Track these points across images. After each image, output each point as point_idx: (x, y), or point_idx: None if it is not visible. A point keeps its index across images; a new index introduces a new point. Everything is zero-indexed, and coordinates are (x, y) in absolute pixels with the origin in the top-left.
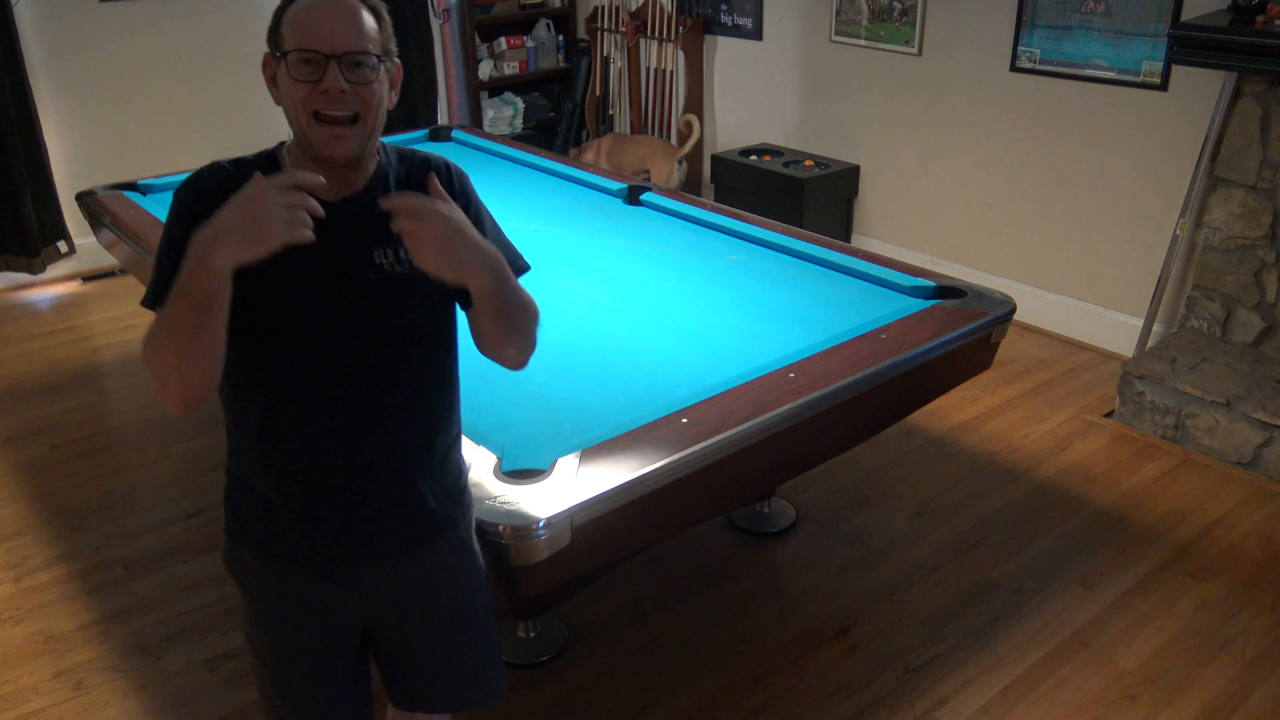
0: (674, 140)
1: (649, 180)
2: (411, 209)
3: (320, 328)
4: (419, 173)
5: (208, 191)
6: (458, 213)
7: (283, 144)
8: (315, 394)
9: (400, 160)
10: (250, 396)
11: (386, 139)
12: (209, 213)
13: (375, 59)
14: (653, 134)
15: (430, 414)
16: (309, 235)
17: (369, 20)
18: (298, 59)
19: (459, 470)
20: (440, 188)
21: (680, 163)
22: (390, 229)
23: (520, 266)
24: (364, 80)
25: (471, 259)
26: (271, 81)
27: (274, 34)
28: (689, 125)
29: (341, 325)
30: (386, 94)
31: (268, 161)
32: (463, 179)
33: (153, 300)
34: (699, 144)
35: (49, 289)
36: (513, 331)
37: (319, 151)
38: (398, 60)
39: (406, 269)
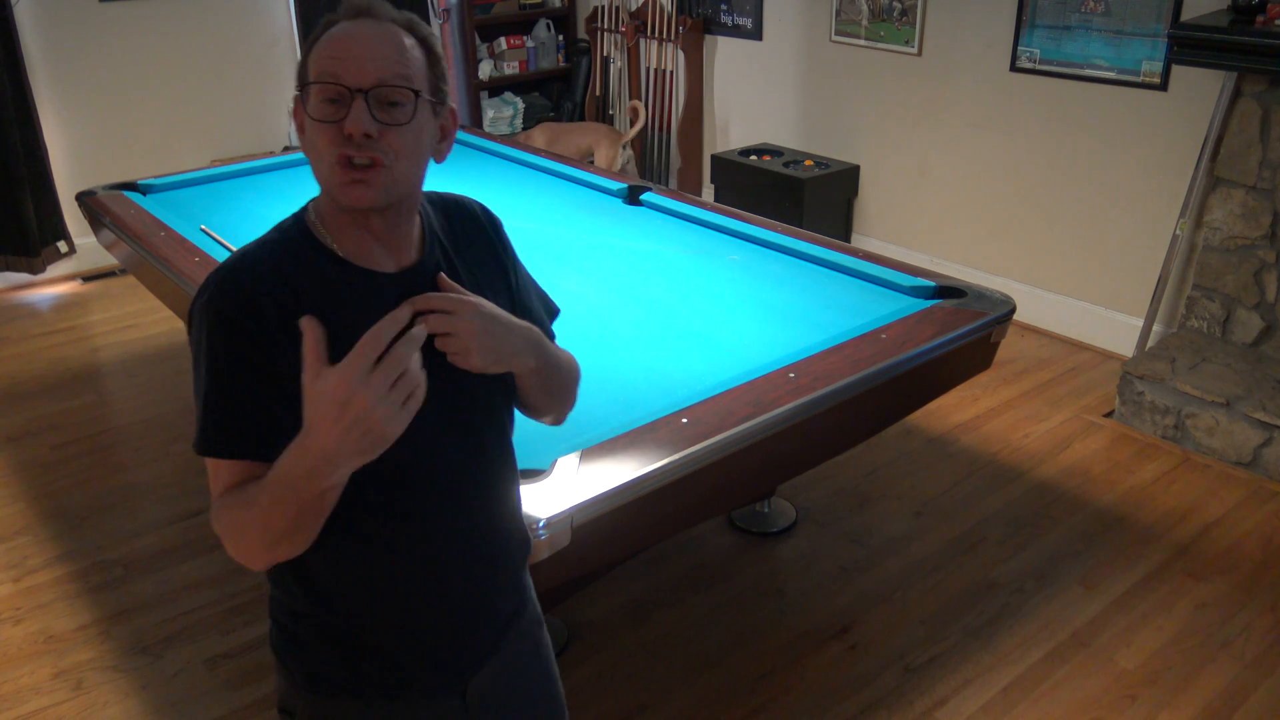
0: (674, 139)
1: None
2: (444, 306)
3: (424, 416)
4: (458, 220)
5: (254, 296)
6: (485, 302)
7: (307, 210)
8: (422, 492)
9: (435, 209)
10: (348, 524)
11: None
12: (263, 323)
13: (413, 94)
14: (652, 134)
15: (514, 474)
16: (421, 397)
17: (414, 52)
18: (319, 94)
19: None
20: (451, 282)
21: (624, 147)
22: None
23: (553, 311)
24: (395, 121)
25: (513, 344)
26: (300, 130)
27: (302, 70)
28: (635, 111)
29: (442, 407)
30: (430, 143)
31: (303, 241)
32: (497, 224)
33: (210, 448)
34: (698, 141)
35: (49, 289)
36: (555, 398)
37: (339, 200)
38: (452, 106)
39: None
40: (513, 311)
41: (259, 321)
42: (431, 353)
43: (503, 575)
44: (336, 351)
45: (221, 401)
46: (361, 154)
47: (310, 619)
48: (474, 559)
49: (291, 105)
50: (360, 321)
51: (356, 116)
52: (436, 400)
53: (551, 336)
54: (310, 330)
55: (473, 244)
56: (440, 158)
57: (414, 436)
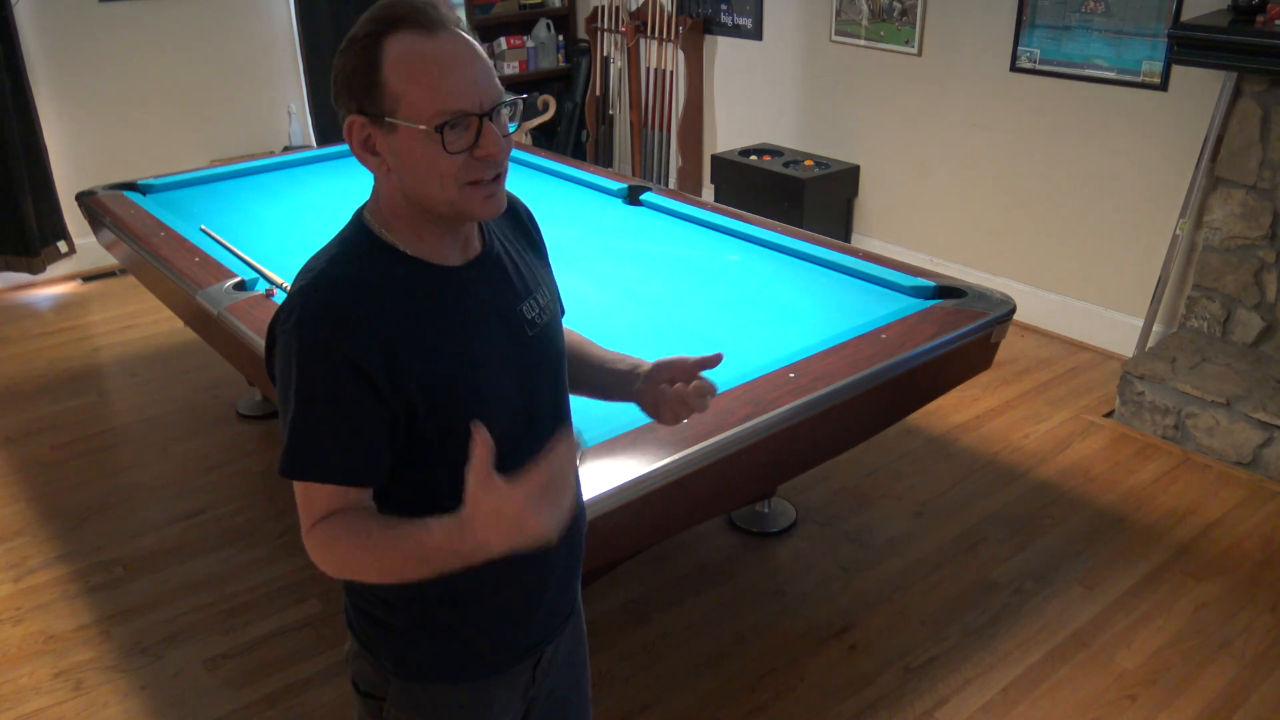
0: (674, 139)
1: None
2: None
3: (517, 405)
4: (506, 218)
5: (356, 317)
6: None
7: (363, 217)
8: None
9: None
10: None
11: None
12: (357, 342)
13: (509, 103)
14: (652, 134)
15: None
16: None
17: (484, 54)
18: (456, 128)
19: None
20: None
21: (526, 135)
22: (521, 280)
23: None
24: (507, 130)
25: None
26: (367, 149)
27: (373, 89)
28: (545, 104)
29: (528, 393)
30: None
31: (374, 248)
32: (533, 219)
33: (300, 471)
34: (698, 141)
35: (49, 289)
36: None
37: (472, 215)
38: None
39: (550, 315)
40: (559, 301)
41: (352, 343)
42: (523, 342)
43: (579, 553)
44: (444, 348)
45: (316, 427)
46: (492, 170)
47: (406, 609)
48: (565, 541)
49: (345, 125)
50: (441, 312)
51: (494, 139)
52: (531, 383)
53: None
54: (480, 439)
55: (520, 237)
56: None
57: (519, 418)
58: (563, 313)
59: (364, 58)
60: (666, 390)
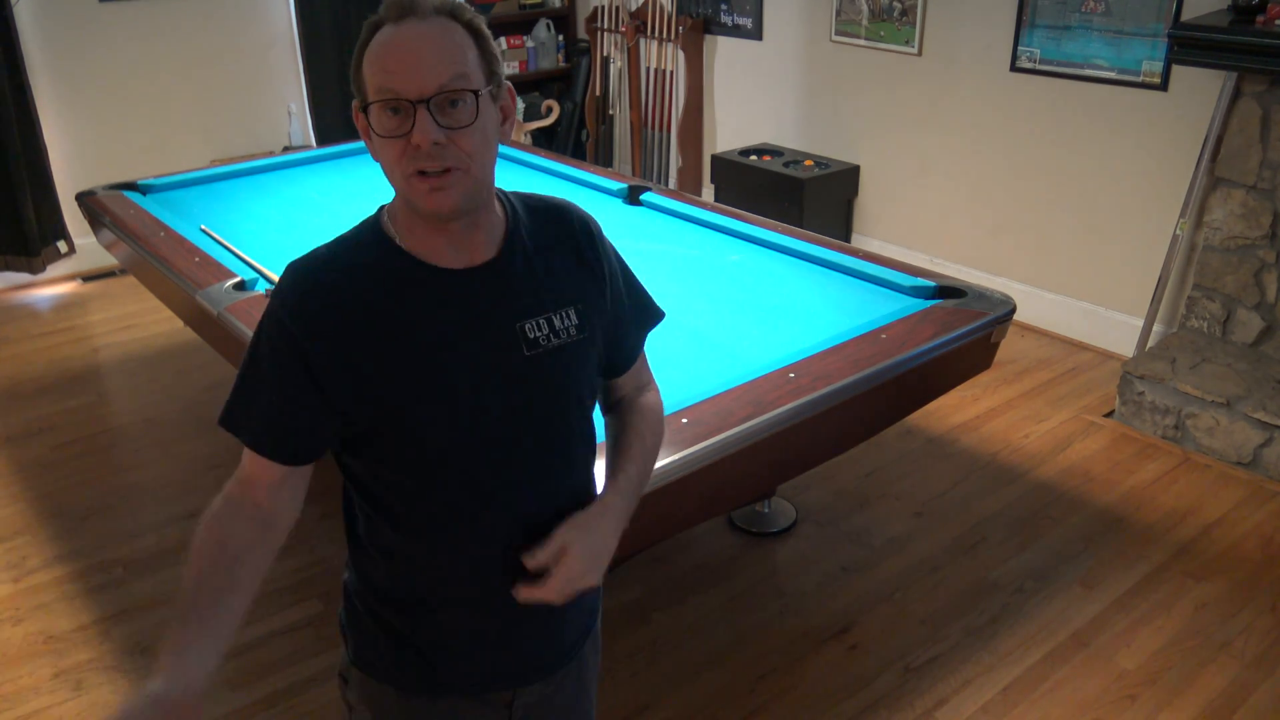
0: (674, 139)
1: None
2: (549, 557)
3: (481, 423)
4: (549, 224)
5: (322, 302)
6: (585, 529)
7: (382, 209)
8: (485, 498)
9: (528, 212)
10: (410, 519)
11: None
12: (308, 326)
13: (473, 93)
14: (652, 134)
15: (589, 490)
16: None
17: (464, 42)
18: (381, 110)
19: None
20: (536, 556)
21: (526, 135)
22: (535, 296)
23: (657, 315)
24: (460, 123)
25: (610, 543)
26: (365, 135)
27: (356, 79)
28: (549, 108)
29: (503, 414)
30: (496, 130)
31: (373, 238)
32: (598, 233)
33: (234, 427)
34: (698, 141)
35: (49, 289)
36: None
37: (420, 209)
38: (508, 83)
39: (566, 339)
40: (605, 322)
41: (304, 327)
42: (513, 362)
43: (571, 603)
44: (398, 347)
45: (252, 392)
46: (433, 163)
47: (366, 600)
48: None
49: (352, 112)
50: (420, 314)
51: (422, 128)
52: (510, 406)
53: (637, 347)
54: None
55: (560, 249)
56: (506, 139)
57: (483, 439)
58: (655, 320)
59: (357, 53)
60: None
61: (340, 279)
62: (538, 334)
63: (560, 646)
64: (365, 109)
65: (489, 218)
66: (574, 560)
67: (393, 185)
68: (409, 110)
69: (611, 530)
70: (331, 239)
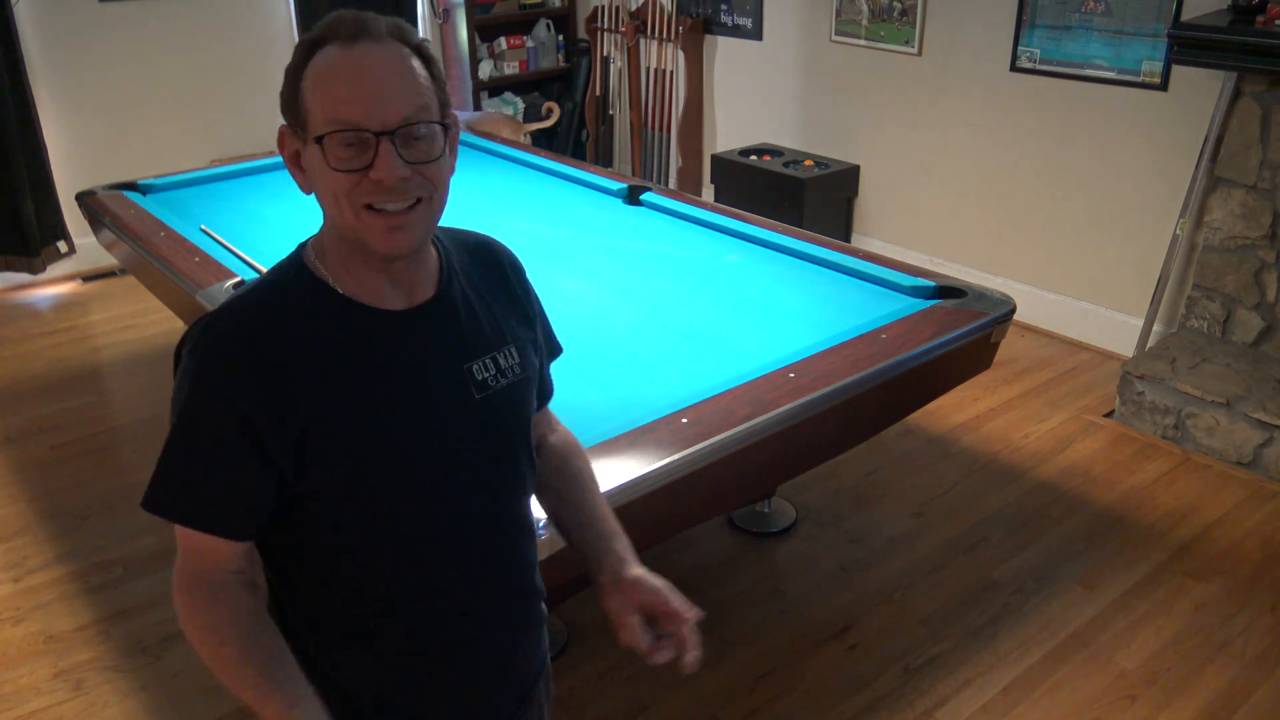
0: (674, 139)
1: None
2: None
3: (432, 471)
4: (483, 262)
5: (232, 356)
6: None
7: (304, 248)
8: (438, 547)
9: (458, 247)
10: (361, 581)
11: None
12: (241, 388)
13: (440, 126)
14: (652, 134)
15: (534, 531)
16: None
17: (420, 69)
18: (338, 142)
19: (543, 589)
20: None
21: (525, 135)
22: (478, 335)
23: (556, 352)
24: (427, 157)
25: None
26: (293, 163)
27: (292, 103)
28: (549, 110)
29: (454, 461)
30: (450, 163)
31: (300, 281)
32: (519, 268)
33: (163, 506)
34: (698, 141)
35: (49, 289)
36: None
37: (373, 248)
38: (454, 112)
39: (512, 378)
40: (534, 365)
41: (243, 393)
42: (465, 406)
43: (524, 642)
44: (344, 399)
45: (188, 466)
46: (396, 199)
47: (330, 677)
48: (491, 623)
49: (278, 135)
50: (364, 362)
51: (387, 164)
52: (465, 453)
53: (550, 393)
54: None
55: (495, 286)
56: (450, 171)
57: (440, 490)
58: (554, 356)
59: (293, 71)
60: (635, 619)
61: (272, 329)
62: (485, 375)
63: (515, 689)
64: (314, 139)
65: (427, 254)
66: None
67: (334, 219)
68: (370, 142)
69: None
70: (250, 285)
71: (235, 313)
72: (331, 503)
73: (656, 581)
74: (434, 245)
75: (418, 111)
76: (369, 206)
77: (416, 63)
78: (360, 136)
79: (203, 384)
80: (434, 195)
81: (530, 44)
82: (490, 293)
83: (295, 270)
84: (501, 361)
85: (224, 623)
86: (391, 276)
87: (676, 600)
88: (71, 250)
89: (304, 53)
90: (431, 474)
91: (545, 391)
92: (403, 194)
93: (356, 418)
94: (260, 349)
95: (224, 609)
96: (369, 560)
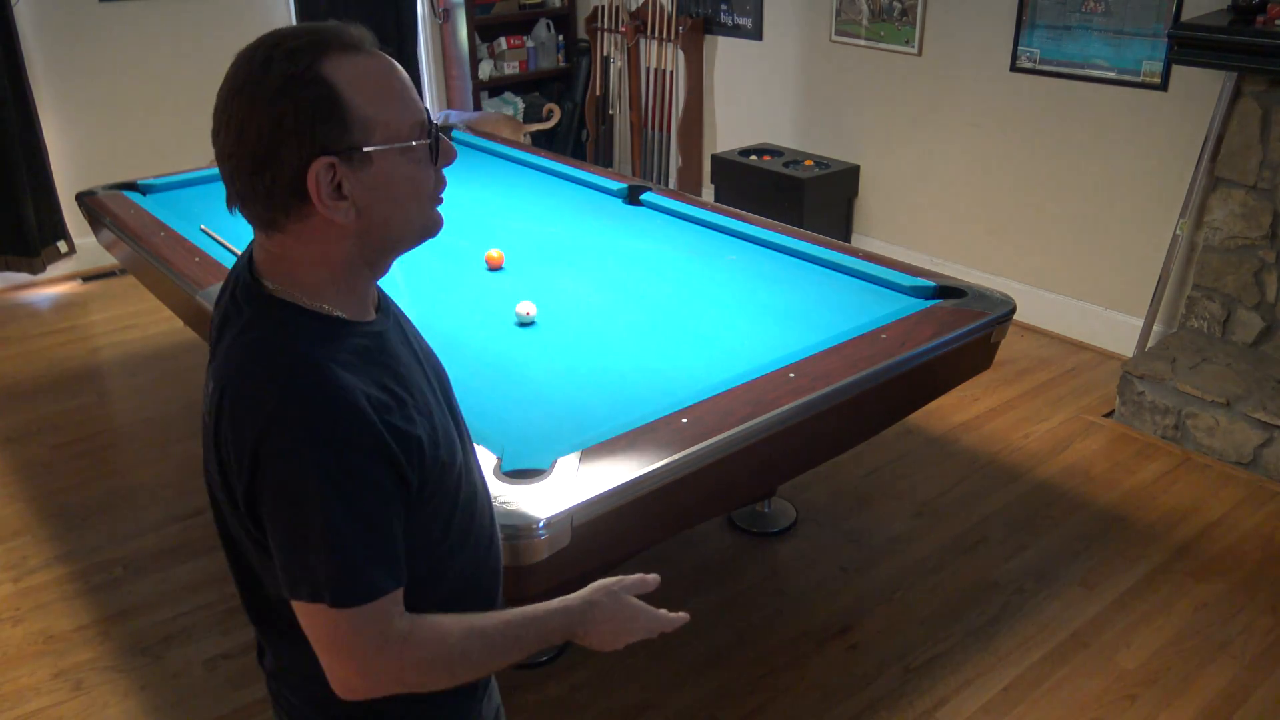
0: (674, 139)
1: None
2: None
3: (468, 465)
4: None
5: (361, 400)
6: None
7: (264, 293)
8: (476, 518)
9: None
10: (446, 576)
11: None
12: (381, 424)
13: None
14: (652, 134)
15: None
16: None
17: None
18: (426, 142)
19: None
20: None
21: (525, 136)
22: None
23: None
24: None
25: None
26: (334, 197)
27: (338, 123)
28: (549, 112)
29: (466, 446)
30: None
31: (308, 326)
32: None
33: (371, 591)
34: (698, 141)
35: (49, 289)
36: None
37: (431, 235)
38: None
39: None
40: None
41: (371, 431)
42: (447, 393)
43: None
44: (412, 407)
45: (365, 537)
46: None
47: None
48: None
49: (309, 178)
50: (395, 370)
51: (450, 145)
52: (464, 437)
53: None
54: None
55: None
56: None
57: (465, 473)
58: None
59: (314, 90)
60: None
61: (351, 374)
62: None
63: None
64: (402, 148)
65: None
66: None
67: (406, 226)
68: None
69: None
70: (274, 350)
71: (304, 374)
72: (430, 503)
73: (606, 586)
74: None
75: None
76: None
77: None
78: (433, 130)
79: (337, 446)
80: None
81: (530, 44)
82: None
83: (296, 316)
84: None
85: (439, 655)
86: (365, 290)
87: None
88: (71, 250)
89: (313, 73)
90: (468, 466)
91: None
92: None
93: (428, 420)
94: (355, 393)
95: (429, 641)
96: (441, 538)
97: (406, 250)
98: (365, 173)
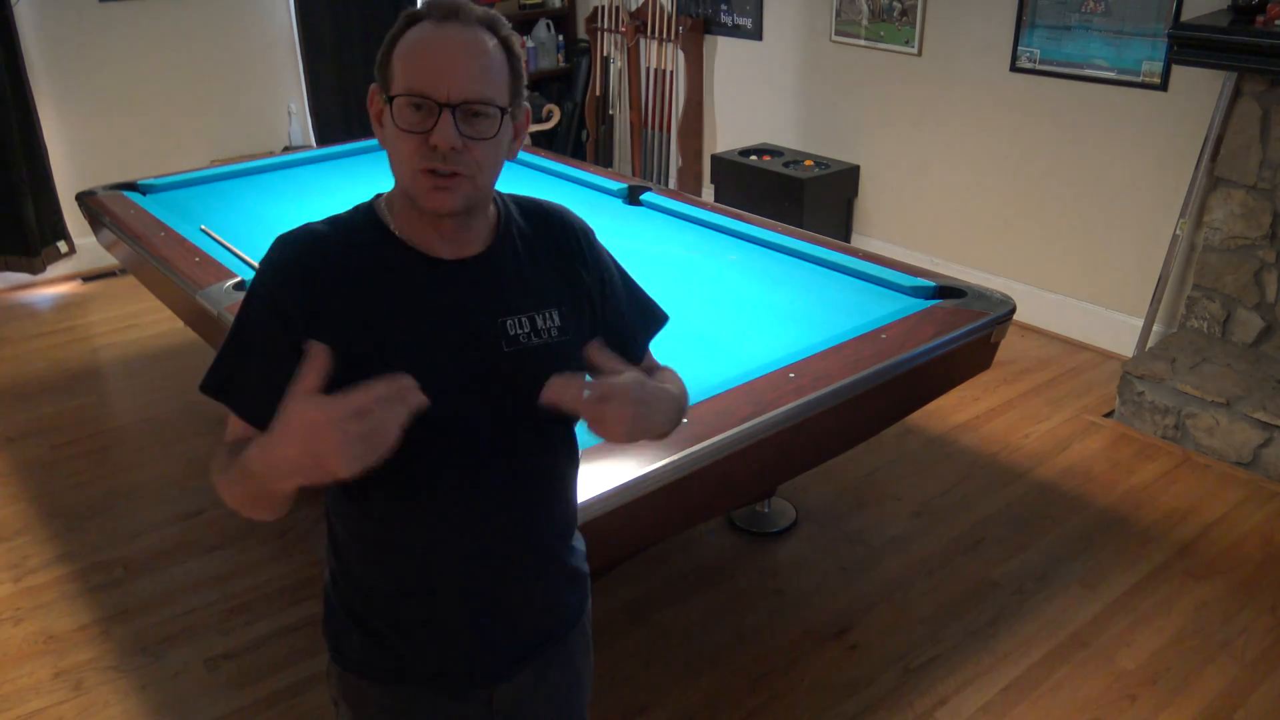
0: (674, 139)
1: None
2: (604, 393)
3: (450, 411)
4: (544, 229)
5: (289, 264)
6: (642, 384)
7: (378, 197)
8: (449, 485)
9: (521, 214)
10: (371, 499)
11: None
12: (290, 292)
13: (499, 110)
14: (652, 134)
15: (565, 492)
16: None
17: (498, 58)
18: (406, 104)
19: (582, 549)
20: (608, 358)
21: (525, 136)
22: (520, 294)
23: (658, 319)
24: (481, 135)
25: (657, 422)
26: (377, 120)
27: (384, 66)
28: (549, 113)
29: (475, 406)
30: (507, 146)
31: (366, 221)
32: (591, 240)
33: (212, 389)
34: (698, 141)
35: (49, 289)
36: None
37: (420, 204)
38: (526, 104)
39: (547, 339)
40: (595, 327)
41: (289, 294)
42: (491, 356)
43: (537, 595)
44: (379, 325)
45: (234, 356)
46: (446, 165)
47: (338, 588)
48: (500, 570)
49: (369, 93)
50: (402, 294)
51: (444, 131)
52: (481, 396)
53: (643, 351)
54: (318, 354)
55: (550, 251)
56: (512, 155)
57: (444, 384)
58: (659, 324)
59: (389, 41)
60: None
61: (331, 252)
62: (519, 331)
63: (523, 636)
64: (390, 100)
65: (482, 217)
66: (627, 400)
67: (397, 176)
68: (433, 110)
69: (664, 407)
70: (322, 219)
71: (304, 234)
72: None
73: (629, 376)
74: (495, 210)
75: (482, 93)
76: (424, 170)
77: (497, 49)
78: (426, 103)
79: (260, 286)
80: (478, 175)
81: (530, 44)
82: (544, 257)
83: (365, 214)
84: (539, 321)
85: (222, 469)
86: (441, 232)
87: (622, 384)
88: (71, 250)
89: (403, 24)
90: (446, 412)
91: (633, 360)
92: (450, 162)
93: (387, 343)
94: (318, 265)
95: (219, 456)
96: (384, 484)
97: (422, 207)
98: (386, 113)
